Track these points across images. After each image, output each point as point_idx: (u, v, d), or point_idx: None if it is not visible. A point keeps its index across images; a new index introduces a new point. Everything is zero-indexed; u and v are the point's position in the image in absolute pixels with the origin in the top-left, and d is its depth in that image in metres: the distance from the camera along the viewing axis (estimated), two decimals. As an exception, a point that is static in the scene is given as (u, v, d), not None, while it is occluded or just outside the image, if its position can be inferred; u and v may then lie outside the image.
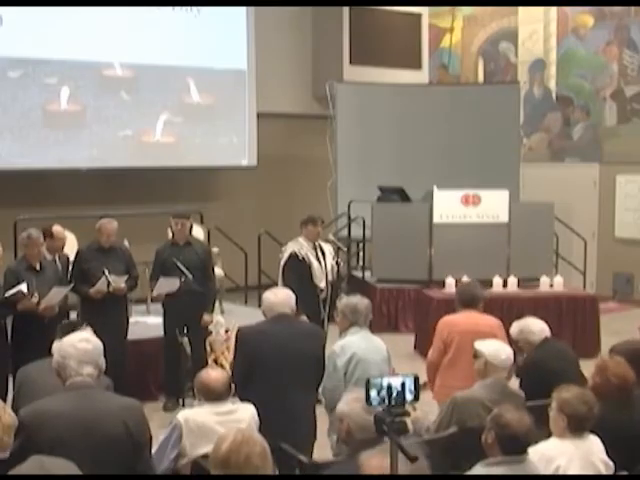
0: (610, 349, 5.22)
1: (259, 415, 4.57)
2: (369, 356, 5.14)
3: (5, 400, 6.37)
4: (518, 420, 3.77)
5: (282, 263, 7.64)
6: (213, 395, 4.53)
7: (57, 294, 6.54)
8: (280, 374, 4.90)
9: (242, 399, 4.64)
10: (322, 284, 7.58)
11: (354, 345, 5.16)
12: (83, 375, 3.66)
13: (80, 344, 3.72)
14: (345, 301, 5.36)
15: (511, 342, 5.52)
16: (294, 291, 7.41)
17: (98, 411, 3.60)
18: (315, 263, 7.55)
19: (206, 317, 7.51)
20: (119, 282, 7.06)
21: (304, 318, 6.78)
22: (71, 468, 3.02)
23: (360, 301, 5.32)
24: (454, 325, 5.99)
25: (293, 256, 7.56)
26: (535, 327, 5.66)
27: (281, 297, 5.16)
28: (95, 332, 6.90)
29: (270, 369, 4.90)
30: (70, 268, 7.12)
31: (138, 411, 3.74)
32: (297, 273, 7.49)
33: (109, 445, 3.55)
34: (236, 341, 5.27)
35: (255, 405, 4.61)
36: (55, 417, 3.55)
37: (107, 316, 7.00)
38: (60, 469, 2.95)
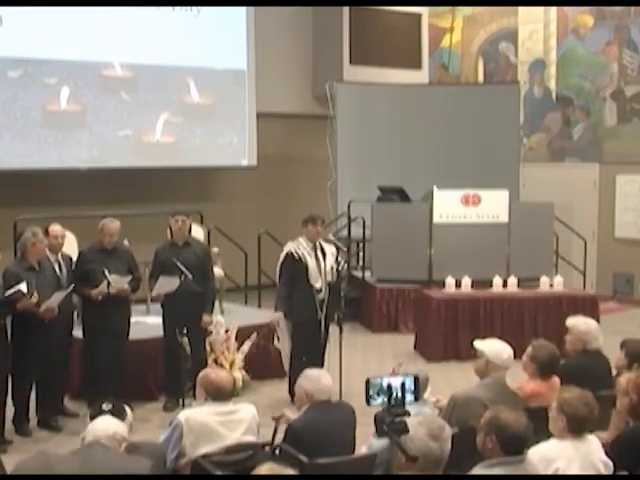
0: (621, 344, 5.35)
1: None
2: None
3: (5, 400, 6.39)
4: (516, 419, 3.76)
5: (279, 262, 7.64)
6: (223, 396, 4.54)
7: (57, 297, 6.54)
8: None
9: None
10: (318, 284, 7.47)
11: None
12: None
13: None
14: None
15: None
16: (288, 290, 7.49)
17: (101, 460, 3.75)
18: (311, 263, 7.48)
19: (206, 318, 7.49)
20: (121, 283, 7.01)
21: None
22: (74, 461, 3.08)
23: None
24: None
25: (289, 255, 7.53)
26: (599, 335, 5.79)
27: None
28: (96, 333, 7.03)
29: None
30: (72, 268, 7.08)
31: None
32: (292, 272, 7.46)
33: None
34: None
35: None
36: (65, 460, 3.76)
37: (108, 317, 6.99)
38: (63, 462, 3.02)
